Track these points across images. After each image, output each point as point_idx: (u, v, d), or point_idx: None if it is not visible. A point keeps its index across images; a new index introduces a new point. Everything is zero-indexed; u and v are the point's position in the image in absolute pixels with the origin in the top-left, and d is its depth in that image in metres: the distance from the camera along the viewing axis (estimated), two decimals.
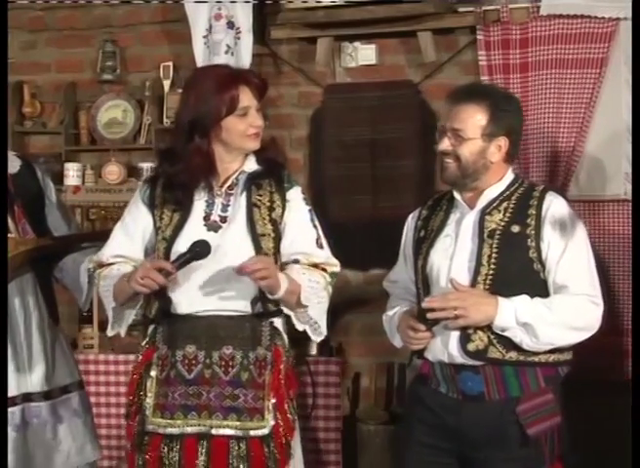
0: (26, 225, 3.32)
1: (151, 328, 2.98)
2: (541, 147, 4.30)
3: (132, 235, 3.00)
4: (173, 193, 2.93)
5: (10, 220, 3.30)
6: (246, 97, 2.89)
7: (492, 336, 2.87)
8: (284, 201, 2.96)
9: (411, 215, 3.18)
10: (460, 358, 2.90)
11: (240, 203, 2.93)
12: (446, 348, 2.91)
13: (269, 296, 2.84)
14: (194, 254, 2.80)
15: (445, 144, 2.94)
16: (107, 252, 3.01)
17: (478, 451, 2.91)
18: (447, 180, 2.99)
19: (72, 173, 4.95)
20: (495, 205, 2.95)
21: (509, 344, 2.87)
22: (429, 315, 2.85)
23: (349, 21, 4.52)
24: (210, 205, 2.93)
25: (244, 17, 4.65)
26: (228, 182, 2.96)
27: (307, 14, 4.53)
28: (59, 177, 4.83)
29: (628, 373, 3.99)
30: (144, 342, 2.99)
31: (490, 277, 2.87)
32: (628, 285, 4.14)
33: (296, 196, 2.99)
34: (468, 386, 2.91)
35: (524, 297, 2.86)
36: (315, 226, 3.01)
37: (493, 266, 2.88)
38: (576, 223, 2.95)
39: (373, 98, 4.64)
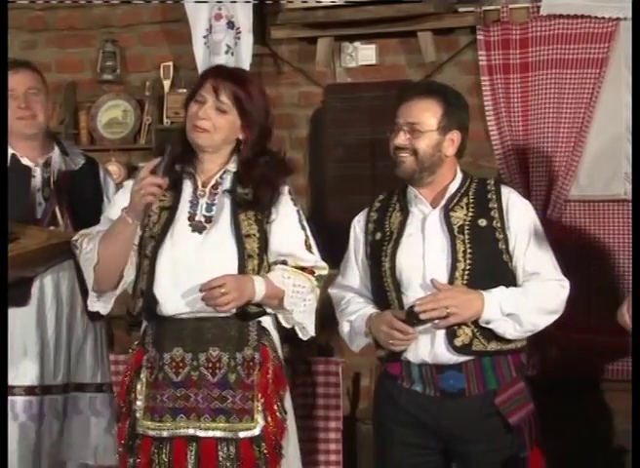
0: (68, 220, 3.37)
1: (142, 330, 2.97)
2: (542, 147, 4.30)
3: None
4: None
5: (58, 214, 3.35)
6: (204, 89, 2.91)
7: (475, 330, 2.93)
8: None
9: (356, 219, 3.17)
10: (445, 356, 2.93)
11: (225, 203, 2.91)
12: (432, 347, 2.94)
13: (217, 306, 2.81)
14: (168, 157, 2.81)
15: (401, 139, 3.00)
16: (96, 229, 2.97)
17: (461, 447, 2.97)
18: (404, 175, 3.03)
19: None
20: (455, 201, 3.02)
21: (490, 335, 2.94)
22: (423, 316, 2.86)
23: (349, 21, 4.52)
24: (194, 205, 2.92)
25: (244, 17, 4.66)
26: (212, 182, 2.94)
27: (307, 14, 4.53)
28: None
29: (629, 373, 3.99)
30: (135, 345, 2.98)
31: (467, 272, 2.93)
32: (628, 285, 4.14)
33: (284, 199, 2.97)
34: (450, 384, 2.96)
35: (502, 289, 2.95)
36: (303, 227, 2.98)
37: (469, 261, 2.94)
38: (534, 212, 3.09)
39: (373, 98, 4.63)
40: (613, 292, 4.18)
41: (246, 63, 4.61)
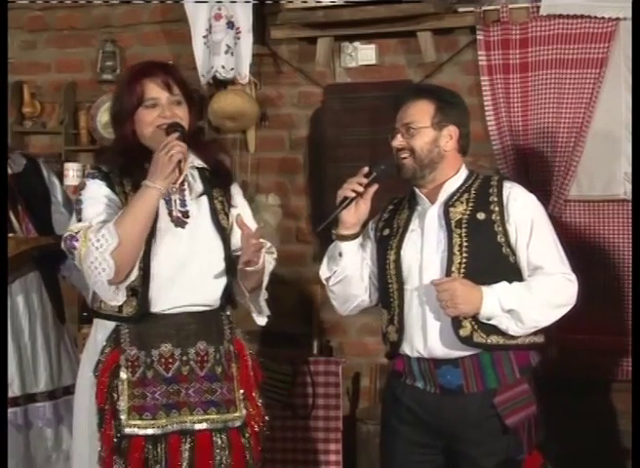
0: (29, 224, 3.31)
1: (110, 329, 2.89)
2: (541, 147, 4.31)
3: (108, 205, 2.87)
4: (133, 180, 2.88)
5: (14, 219, 3.30)
6: (152, 90, 2.89)
7: (474, 323, 2.93)
8: (229, 195, 3.02)
9: (371, 221, 3.22)
10: (439, 349, 2.95)
11: (201, 198, 2.95)
12: (425, 341, 2.96)
13: (247, 269, 2.84)
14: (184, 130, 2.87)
15: (398, 140, 3.04)
16: (89, 217, 2.84)
17: (461, 445, 2.97)
18: (405, 175, 3.06)
19: (72, 173, 4.96)
20: (456, 197, 3.03)
21: (490, 329, 2.94)
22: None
23: (349, 21, 4.52)
24: (167, 202, 2.91)
25: (244, 17, 4.66)
26: (180, 178, 2.90)
27: (307, 14, 4.54)
28: (58, 178, 4.81)
29: (629, 373, 4.00)
30: (104, 346, 2.89)
31: (463, 265, 2.94)
32: (628, 285, 4.15)
33: (237, 191, 3.06)
34: (447, 380, 2.97)
35: (504, 284, 2.94)
36: (253, 217, 3.08)
37: (465, 254, 2.95)
38: (539, 205, 3.06)
39: (373, 98, 4.63)
40: (613, 293, 4.19)
41: (246, 63, 4.62)
